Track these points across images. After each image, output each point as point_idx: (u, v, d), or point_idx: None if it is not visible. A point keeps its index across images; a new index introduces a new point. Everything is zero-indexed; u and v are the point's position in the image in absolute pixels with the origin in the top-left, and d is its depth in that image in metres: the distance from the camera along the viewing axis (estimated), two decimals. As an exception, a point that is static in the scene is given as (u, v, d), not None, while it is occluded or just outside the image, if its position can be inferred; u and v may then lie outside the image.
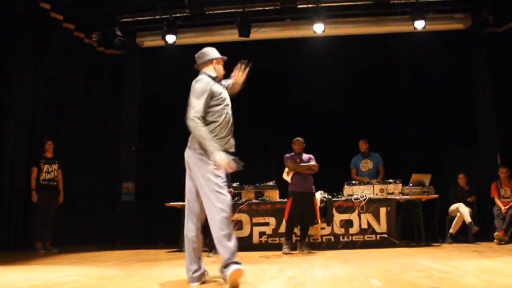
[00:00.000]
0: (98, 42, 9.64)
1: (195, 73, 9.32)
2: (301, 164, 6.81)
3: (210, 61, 4.01)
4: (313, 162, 6.86)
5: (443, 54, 9.32)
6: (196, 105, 3.66)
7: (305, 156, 6.91)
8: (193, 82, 3.80)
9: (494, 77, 9.08)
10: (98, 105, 9.45)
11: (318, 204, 7.14)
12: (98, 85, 9.44)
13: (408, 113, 9.23)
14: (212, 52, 4.05)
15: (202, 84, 3.76)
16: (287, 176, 7.04)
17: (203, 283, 3.71)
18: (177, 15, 9.31)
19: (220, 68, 4.04)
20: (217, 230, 3.48)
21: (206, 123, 3.69)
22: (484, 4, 8.71)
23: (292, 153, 6.93)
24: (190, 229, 3.75)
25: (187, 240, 3.77)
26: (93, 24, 9.34)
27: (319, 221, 7.05)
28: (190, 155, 3.74)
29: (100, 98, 9.49)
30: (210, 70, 3.97)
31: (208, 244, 6.84)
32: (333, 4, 9.12)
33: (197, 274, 3.70)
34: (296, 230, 7.08)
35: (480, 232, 7.65)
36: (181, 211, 7.76)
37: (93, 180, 9.10)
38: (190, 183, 3.80)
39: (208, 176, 3.60)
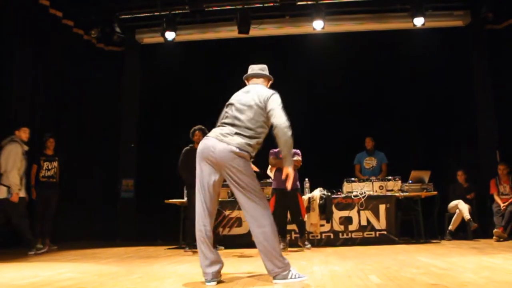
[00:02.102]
0: (98, 39, 9.62)
1: (194, 70, 9.38)
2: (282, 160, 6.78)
3: (269, 78, 4.14)
4: (296, 158, 6.77)
5: (442, 51, 9.32)
6: (283, 114, 3.64)
7: None
8: (270, 93, 3.75)
9: (494, 74, 9.07)
10: (98, 101, 9.45)
11: (318, 201, 7.14)
12: (97, 82, 9.43)
13: (407, 109, 9.22)
14: (267, 71, 4.15)
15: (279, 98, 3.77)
16: (270, 172, 7.04)
17: (219, 282, 3.65)
18: (177, 11, 9.28)
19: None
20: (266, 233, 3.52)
21: (264, 131, 3.74)
22: (483, 1, 8.70)
23: (278, 149, 6.92)
24: (207, 223, 3.71)
25: (202, 234, 3.71)
26: (92, 20, 9.33)
27: (305, 218, 6.96)
28: (237, 154, 3.56)
29: (99, 94, 9.49)
30: (265, 85, 4.05)
31: (185, 240, 6.88)
32: (333, 1, 9.11)
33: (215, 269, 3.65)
34: (295, 227, 7.08)
35: (479, 229, 7.67)
36: (180, 208, 7.78)
37: (92, 177, 9.11)
38: (212, 177, 3.66)
39: (255, 181, 3.63)
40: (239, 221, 7.54)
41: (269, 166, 7.03)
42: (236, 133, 3.61)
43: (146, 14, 9.60)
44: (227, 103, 3.89)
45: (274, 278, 3.49)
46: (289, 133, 3.56)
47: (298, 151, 6.89)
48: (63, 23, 8.92)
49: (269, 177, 7.30)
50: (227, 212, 7.55)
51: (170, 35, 9.22)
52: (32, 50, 8.13)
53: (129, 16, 9.61)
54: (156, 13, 9.37)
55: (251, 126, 3.64)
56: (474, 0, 8.98)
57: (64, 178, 7.93)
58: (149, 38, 10.11)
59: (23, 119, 7.84)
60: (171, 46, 9.69)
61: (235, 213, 7.55)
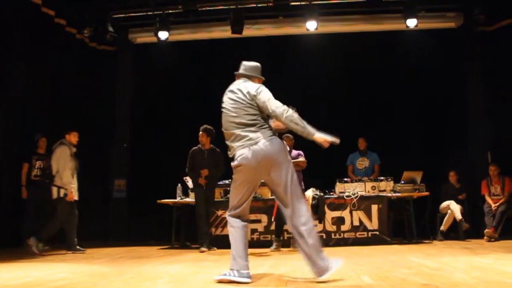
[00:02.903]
0: (90, 38, 9.56)
1: (188, 70, 9.36)
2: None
3: (260, 79, 4.06)
4: (301, 159, 6.86)
5: (435, 52, 9.37)
6: (276, 102, 3.66)
7: (294, 153, 6.93)
8: (255, 86, 3.78)
9: (486, 75, 9.12)
10: (90, 101, 9.38)
11: (310, 201, 7.15)
12: (90, 81, 9.35)
13: (400, 110, 9.26)
14: (259, 71, 4.13)
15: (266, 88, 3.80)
16: None
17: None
18: (170, 11, 9.26)
19: None
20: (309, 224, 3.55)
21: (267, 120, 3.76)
22: (475, 3, 8.77)
23: None
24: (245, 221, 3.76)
25: (244, 231, 3.72)
26: (85, 19, 9.28)
27: None
28: (278, 147, 3.62)
29: (92, 94, 9.42)
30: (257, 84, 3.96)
31: (199, 239, 6.87)
32: (326, 1, 9.13)
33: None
34: (288, 228, 7.08)
35: (470, 229, 7.71)
36: (172, 208, 7.77)
37: (84, 177, 9.03)
38: (254, 175, 3.67)
39: (294, 174, 3.64)
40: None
41: None
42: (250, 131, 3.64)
43: (139, 14, 9.57)
44: (221, 109, 3.91)
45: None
46: (290, 113, 3.57)
47: (301, 152, 6.93)
48: (55, 22, 8.85)
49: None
50: (219, 212, 7.54)
51: (163, 35, 9.20)
52: (23, 49, 8.06)
53: (122, 15, 9.58)
54: (149, 13, 9.34)
55: (253, 120, 3.68)
56: (466, 2, 9.03)
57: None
58: (142, 38, 10.07)
59: (14, 118, 7.81)
60: (164, 46, 9.67)
61: (227, 213, 7.52)
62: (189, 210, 7.86)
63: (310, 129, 3.58)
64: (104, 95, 9.74)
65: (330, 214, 7.40)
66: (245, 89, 3.77)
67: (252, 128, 3.63)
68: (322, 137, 3.58)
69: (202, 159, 7.09)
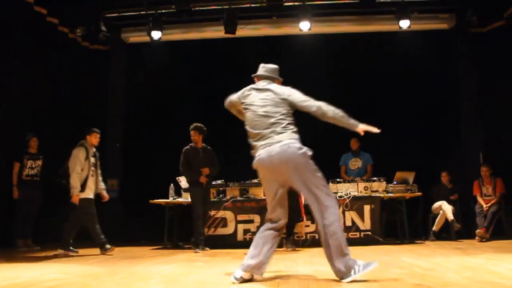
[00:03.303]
0: (83, 37, 9.52)
1: (181, 69, 9.32)
2: None
3: (280, 80, 4.15)
4: None
5: (428, 53, 9.41)
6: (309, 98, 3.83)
7: None
8: (286, 88, 3.92)
9: (479, 77, 9.17)
10: (83, 100, 9.33)
11: (303, 201, 7.16)
12: (82, 81, 9.32)
13: (392, 111, 9.27)
14: (277, 73, 4.24)
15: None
16: None
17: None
18: (163, 11, 9.24)
19: None
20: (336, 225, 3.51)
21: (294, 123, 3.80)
22: (468, 5, 8.81)
23: None
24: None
25: (264, 234, 3.69)
26: (78, 19, 9.23)
27: (304, 218, 7.06)
28: (294, 151, 3.59)
29: (84, 93, 9.38)
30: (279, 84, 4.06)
31: (195, 240, 6.86)
32: (320, 2, 9.14)
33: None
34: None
35: (462, 229, 7.76)
36: (165, 208, 7.75)
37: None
38: (273, 176, 3.66)
39: (317, 174, 3.61)
40: (224, 222, 7.53)
41: None
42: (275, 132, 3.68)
43: (132, 13, 9.54)
44: (245, 107, 3.91)
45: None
46: (326, 107, 3.79)
47: None
48: (47, 21, 8.81)
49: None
50: (212, 213, 7.54)
51: (156, 35, 9.17)
52: (14, 47, 8.01)
53: (115, 14, 9.54)
54: (142, 12, 9.31)
55: (282, 119, 3.71)
56: (459, 3, 9.07)
57: (48, 178, 7.83)
58: (135, 37, 10.04)
59: (5, 118, 7.75)
60: (157, 46, 9.64)
61: (220, 213, 7.54)
62: (181, 210, 7.85)
63: (352, 120, 3.82)
64: (96, 94, 9.68)
65: (322, 215, 7.39)
66: (276, 89, 3.85)
67: (278, 128, 3.66)
68: (365, 127, 3.86)
69: (198, 157, 7.05)
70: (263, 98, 3.81)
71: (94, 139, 6.89)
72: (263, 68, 4.17)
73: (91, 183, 6.71)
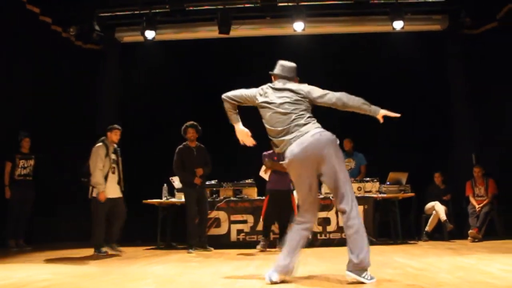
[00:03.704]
0: (76, 37, 9.47)
1: (174, 69, 9.30)
2: (278, 162, 6.84)
3: (297, 79, 4.22)
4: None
5: (422, 54, 9.43)
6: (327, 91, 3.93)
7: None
8: (305, 85, 4.05)
9: (471, 78, 9.21)
10: (76, 100, 9.28)
11: (296, 202, 7.16)
12: (75, 80, 9.27)
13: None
14: (295, 70, 4.28)
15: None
16: (264, 174, 7.09)
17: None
18: (157, 10, 9.21)
19: None
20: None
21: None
22: (461, 7, 8.85)
23: (271, 151, 6.95)
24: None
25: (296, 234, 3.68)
26: (71, 18, 9.19)
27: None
28: (328, 138, 3.63)
29: (77, 93, 9.32)
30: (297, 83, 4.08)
31: (189, 240, 6.86)
32: (314, 3, 9.15)
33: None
34: (275, 228, 7.11)
35: (454, 230, 7.79)
36: (158, 208, 7.73)
37: (69, 176, 8.95)
38: (306, 169, 3.61)
39: (345, 170, 3.65)
40: (217, 222, 7.53)
41: (263, 168, 7.07)
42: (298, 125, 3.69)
43: (126, 13, 9.50)
44: (262, 105, 3.92)
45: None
46: (347, 97, 3.92)
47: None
48: (40, 20, 8.76)
49: (260, 178, 7.31)
50: (206, 212, 7.52)
51: (150, 34, 9.14)
52: (7, 46, 7.96)
53: (109, 14, 9.50)
54: (136, 12, 9.28)
55: (303, 115, 3.76)
56: (452, 5, 9.11)
57: (40, 178, 7.80)
58: (129, 37, 10.00)
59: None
60: (151, 45, 9.62)
61: (213, 214, 7.53)
62: (175, 210, 7.83)
63: (374, 106, 3.88)
64: (90, 94, 9.64)
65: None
66: (294, 88, 3.91)
67: (301, 121, 3.68)
68: (386, 112, 3.91)
69: (192, 157, 7.00)
70: (282, 97, 3.83)
71: (114, 136, 6.79)
72: (281, 68, 4.19)
73: (112, 180, 6.60)
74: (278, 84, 3.98)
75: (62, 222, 8.54)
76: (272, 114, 3.78)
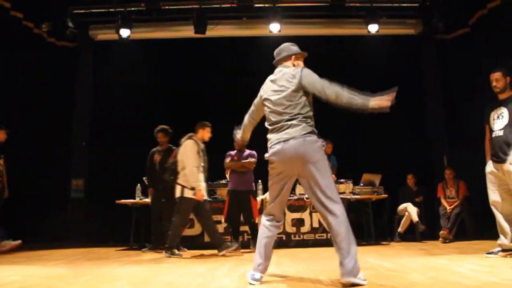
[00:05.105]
0: (49, 33, 9.29)
1: (150, 68, 9.25)
2: (235, 162, 6.85)
3: (289, 56, 3.87)
4: (251, 159, 6.84)
5: (395, 57, 9.56)
6: (323, 82, 3.62)
7: (245, 153, 6.92)
8: (295, 71, 3.68)
9: (443, 82, 9.41)
10: (48, 99, 9.08)
11: (258, 205, 7.13)
12: (48, 78, 9.07)
13: (359, 114, 9.36)
14: (291, 48, 3.94)
15: (309, 70, 3.71)
16: (226, 174, 7.11)
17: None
18: (132, 9, 9.12)
19: (300, 63, 3.89)
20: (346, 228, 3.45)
21: (311, 117, 3.65)
22: (434, 12, 9.02)
23: (235, 151, 6.97)
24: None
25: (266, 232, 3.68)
26: (43, 14, 9.01)
27: (256, 220, 6.92)
28: (310, 145, 3.49)
29: (50, 91, 9.12)
30: (289, 65, 3.81)
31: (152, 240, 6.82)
32: (290, 4, 9.19)
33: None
34: (247, 228, 7.10)
35: (426, 231, 7.91)
36: (132, 208, 7.65)
37: (41, 176, 8.78)
38: (285, 173, 3.58)
39: (328, 174, 3.52)
40: (191, 222, 7.48)
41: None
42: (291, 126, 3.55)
43: (101, 10, 9.36)
44: (263, 99, 3.78)
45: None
46: (335, 88, 3.64)
47: (253, 152, 6.93)
48: (11, 15, 8.54)
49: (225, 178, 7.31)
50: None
51: (125, 33, 9.03)
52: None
53: (83, 11, 9.35)
54: (111, 9, 9.17)
55: (297, 112, 3.58)
56: (425, 10, 9.26)
57: (11, 178, 7.61)
58: (103, 35, 9.86)
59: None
60: (126, 44, 9.50)
61: (188, 214, 7.47)
62: (148, 210, 7.73)
63: (364, 100, 3.72)
64: (63, 92, 9.45)
65: (290, 216, 7.45)
66: (288, 75, 3.67)
67: (293, 122, 3.54)
68: (377, 103, 3.65)
69: (161, 160, 7.09)
70: (277, 91, 3.67)
71: (207, 134, 6.36)
72: (275, 52, 3.96)
73: (202, 181, 6.22)
74: (275, 73, 3.81)
75: (33, 223, 8.35)
76: (269, 112, 3.69)
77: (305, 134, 3.50)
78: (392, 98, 3.54)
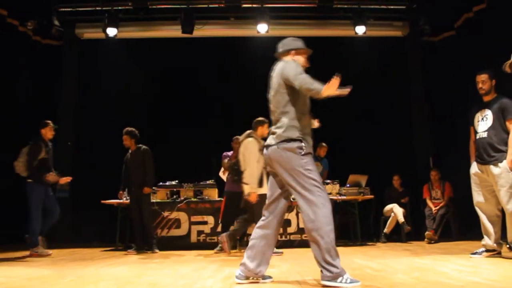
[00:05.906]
0: (34, 31, 9.18)
1: (136, 68, 9.19)
2: None
3: (287, 51, 3.83)
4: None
5: (382, 59, 9.62)
6: (302, 77, 3.42)
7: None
8: (282, 66, 3.61)
9: (429, 83, 9.49)
10: (33, 97, 8.99)
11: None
12: (33, 76, 8.98)
13: (346, 115, 9.41)
14: (291, 43, 3.91)
15: (294, 63, 3.61)
16: (223, 175, 7.07)
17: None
18: (119, 7, 9.06)
19: (300, 59, 3.82)
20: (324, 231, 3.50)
21: (298, 116, 3.53)
22: (421, 14, 9.09)
23: (231, 152, 6.95)
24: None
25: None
26: (29, 11, 8.90)
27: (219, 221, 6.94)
28: (280, 155, 3.46)
29: (35, 90, 9.04)
30: (288, 60, 3.73)
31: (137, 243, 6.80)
32: (277, 5, 9.20)
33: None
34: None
35: (412, 231, 7.96)
36: (117, 209, 7.59)
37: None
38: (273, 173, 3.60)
39: (304, 178, 3.41)
40: (177, 223, 7.45)
41: (222, 169, 7.03)
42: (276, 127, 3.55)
43: (87, 9, 9.29)
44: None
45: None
46: (311, 86, 3.35)
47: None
48: (-5, 13, 8.46)
49: (221, 179, 7.28)
50: (165, 213, 7.44)
51: (111, 31, 8.97)
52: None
53: (69, 9, 9.26)
54: (98, 8, 9.10)
55: (283, 110, 3.53)
56: (412, 12, 9.34)
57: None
58: (90, 34, 9.77)
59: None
60: (113, 43, 9.43)
61: (174, 214, 7.45)
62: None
63: (316, 86, 3.35)
64: (48, 91, 9.34)
65: (277, 216, 7.43)
66: (277, 70, 3.64)
67: (278, 124, 3.54)
68: (332, 91, 3.32)
69: (128, 161, 7.18)
70: (271, 87, 3.67)
71: (266, 130, 6.12)
72: (277, 47, 3.90)
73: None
74: (274, 69, 3.75)
75: (16, 224, 8.24)
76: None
77: (280, 142, 3.46)
78: (344, 92, 3.39)
